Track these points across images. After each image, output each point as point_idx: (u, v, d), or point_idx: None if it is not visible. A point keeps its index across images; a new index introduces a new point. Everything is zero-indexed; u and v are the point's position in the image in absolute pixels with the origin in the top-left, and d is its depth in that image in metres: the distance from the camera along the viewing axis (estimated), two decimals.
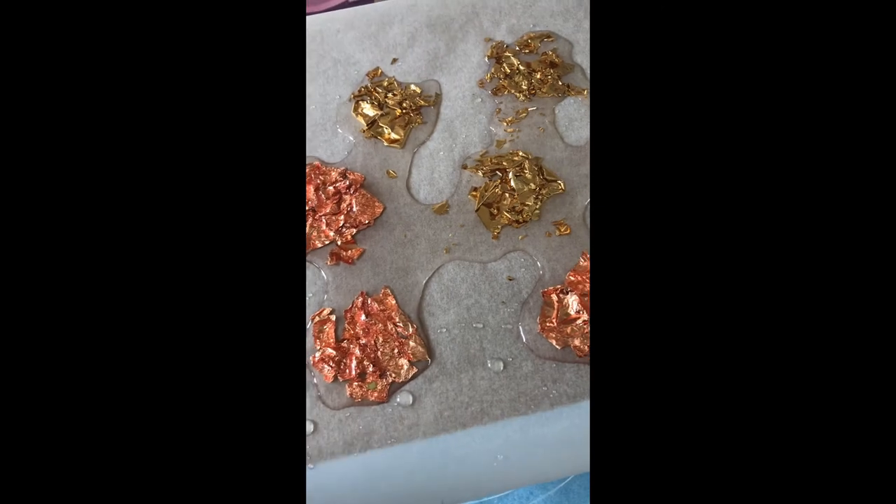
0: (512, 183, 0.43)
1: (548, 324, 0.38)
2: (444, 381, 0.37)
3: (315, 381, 0.38)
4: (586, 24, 0.50)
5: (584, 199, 0.43)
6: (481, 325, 0.39)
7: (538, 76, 0.48)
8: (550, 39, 0.50)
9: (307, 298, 0.40)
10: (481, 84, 0.48)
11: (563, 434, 0.36)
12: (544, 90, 0.47)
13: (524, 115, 0.46)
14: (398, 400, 0.37)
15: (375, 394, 0.37)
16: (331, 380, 0.38)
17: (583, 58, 0.49)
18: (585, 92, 0.47)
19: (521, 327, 0.39)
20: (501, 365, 0.37)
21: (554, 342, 0.38)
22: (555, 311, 0.39)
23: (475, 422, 0.36)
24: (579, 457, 0.36)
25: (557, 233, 0.41)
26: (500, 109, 0.47)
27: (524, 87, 0.47)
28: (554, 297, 0.39)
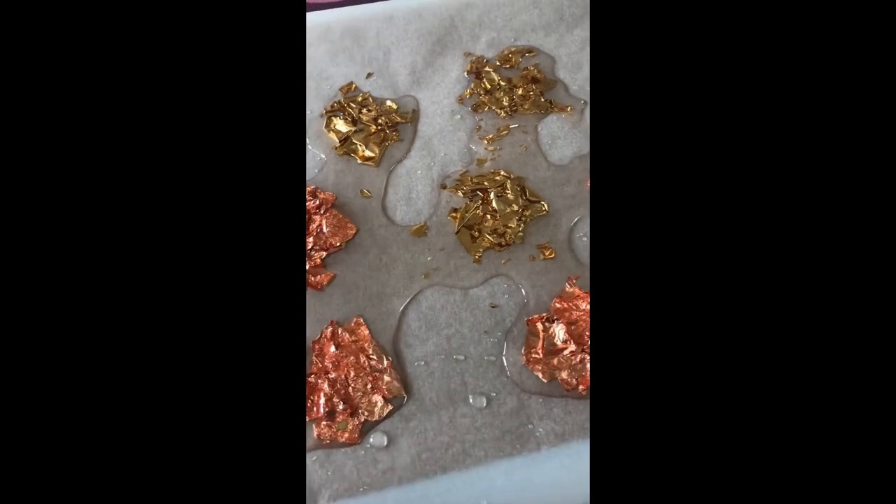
0: (493, 204, 0.41)
1: (533, 355, 0.36)
2: (422, 420, 0.34)
3: None
4: (568, 39, 0.49)
5: (568, 220, 0.40)
6: (462, 357, 0.36)
7: (520, 92, 0.46)
8: (532, 54, 0.48)
9: None
10: (461, 100, 0.46)
11: (551, 476, 0.33)
12: (526, 106, 0.45)
13: (505, 132, 0.44)
14: (371, 441, 0.34)
15: (346, 434, 0.34)
16: None
17: (565, 73, 0.47)
18: (569, 109, 0.45)
19: (504, 359, 0.36)
20: (484, 401, 0.35)
21: (540, 375, 0.35)
22: (540, 342, 0.36)
23: (456, 465, 0.33)
24: (569, 501, 0.33)
25: (542, 257, 0.39)
26: (480, 126, 0.45)
27: (505, 104, 0.45)
28: (539, 325, 0.36)
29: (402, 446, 0.33)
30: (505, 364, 0.36)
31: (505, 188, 0.41)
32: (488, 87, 0.46)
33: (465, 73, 0.47)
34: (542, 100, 0.45)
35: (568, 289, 0.38)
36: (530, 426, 0.34)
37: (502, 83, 0.46)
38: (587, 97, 0.45)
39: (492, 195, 0.41)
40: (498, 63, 0.48)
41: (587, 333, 0.36)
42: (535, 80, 0.46)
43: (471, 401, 0.35)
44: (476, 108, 0.45)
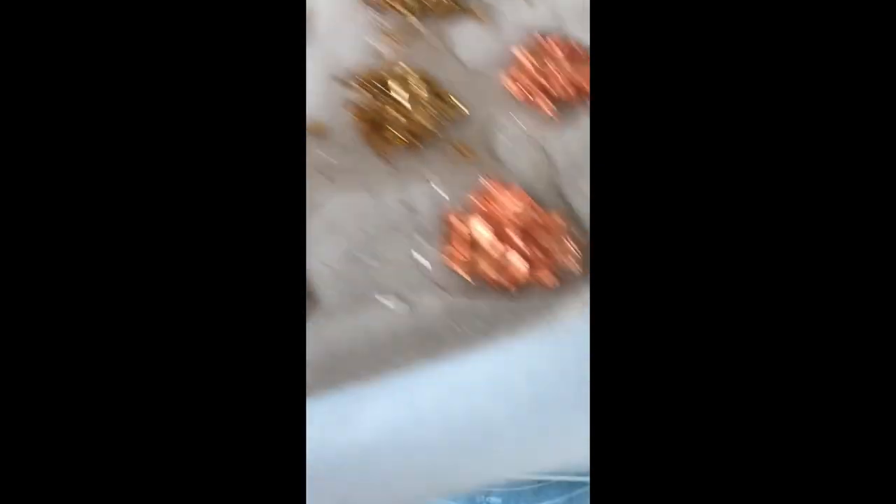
0: (397, 97, 0.37)
1: (454, 253, 0.32)
2: (328, 324, 0.29)
3: None
4: None
5: (490, 125, 0.37)
6: (376, 262, 0.32)
7: None
8: None
9: None
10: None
11: (478, 378, 0.30)
12: (438, 12, 0.42)
13: (413, 34, 0.40)
14: None
15: None
16: None
17: None
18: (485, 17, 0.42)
19: (422, 259, 0.32)
20: (404, 304, 0.31)
21: (463, 273, 0.32)
22: (461, 239, 0.33)
23: (375, 373, 0.29)
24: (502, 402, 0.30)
25: (459, 157, 0.36)
26: (383, 26, 0.40)
27: (413, 6, 0.41)
28: (457, 221, 0.33)
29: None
30: (424, 264, 0.32)
31: (407, 82, 0.37)
32: None
33: None
34: (456, 6, 0.42)
35: (484, 184, 0.35)
36: (457, 329, 0.30)
37: None
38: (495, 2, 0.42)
39: (394, 86, 0.37)
40: None
41: (507, 229, 0.33)
42: None
43: (390, 305, 0.31)
44: (379, 7, 0.41)
